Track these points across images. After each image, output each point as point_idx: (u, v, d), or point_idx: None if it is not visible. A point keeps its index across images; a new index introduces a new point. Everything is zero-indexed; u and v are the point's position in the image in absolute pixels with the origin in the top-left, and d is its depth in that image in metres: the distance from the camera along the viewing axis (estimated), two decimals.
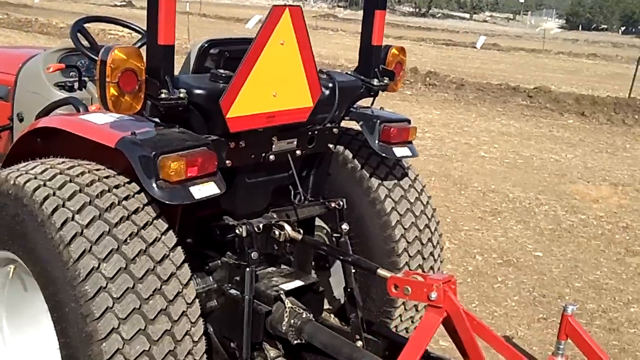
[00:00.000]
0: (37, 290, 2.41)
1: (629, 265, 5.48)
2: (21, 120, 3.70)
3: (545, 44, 29.10)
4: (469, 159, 8.67)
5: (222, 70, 2.65)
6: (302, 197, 3.07)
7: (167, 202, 2.34)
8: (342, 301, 3.55)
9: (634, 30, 48.23)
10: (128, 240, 2.30)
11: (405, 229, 3.28)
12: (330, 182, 3.31)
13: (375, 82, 3.18)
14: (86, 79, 3.71)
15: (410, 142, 3.26)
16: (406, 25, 36.53)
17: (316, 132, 3.00)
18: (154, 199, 2.41)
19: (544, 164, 8.74)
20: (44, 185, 2.38)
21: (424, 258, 3.36)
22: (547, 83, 15.52)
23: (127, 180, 2.50)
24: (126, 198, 2.41)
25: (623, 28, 50.24)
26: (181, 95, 2.45)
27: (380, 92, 3.29)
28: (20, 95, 3.72)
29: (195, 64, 2.85)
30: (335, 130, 3.11)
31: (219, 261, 2.95)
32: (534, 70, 20.83)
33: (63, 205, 2.31)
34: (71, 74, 3.71)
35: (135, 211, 2.39)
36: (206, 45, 2.86)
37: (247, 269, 2.70)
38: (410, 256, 3.30)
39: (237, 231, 2.71)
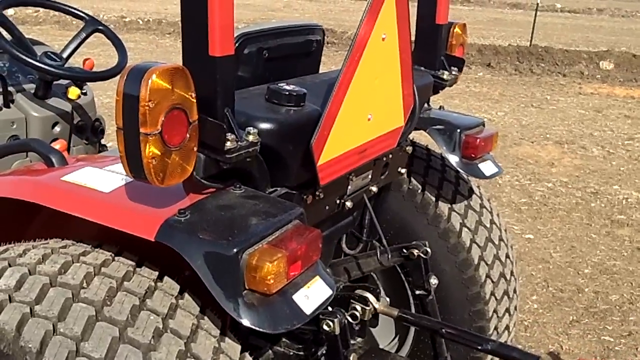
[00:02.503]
0: None
1: (622, 239, 5.09)
2: None
3: None
4: None
5: (283, 84, 1.69)
6: (368, 245, 2.22)
7: (268, 331, 1.38)
8: None
9: None
10: None
11: (493, 282, 2.44)
12: (382, 215, 2.42)
13: (446, 75, 2.33)
14: (13, 89, 2.54)
15: (489, 153, 2.47)
16: None
17: (390, 156, 2.12)
18: (207, 302, 1.47)
19: None
20: (33, 314, 1.36)
21: (510, 315, 2.57)
22: None
23: (155, 274, 1.53)
24: (171, 313, 1.45)
25: None
26: (251, 138, 1.48)
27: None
28: None
29: None
30: (408, 148, 2.25)
31: (270, 351, 2.05)
32: None
33: (77, 353, 1.32)
34: None
35: (192, 337, 1.43)
36: (238, 43, 1.83)
37: None
38: (498, 317, 2.48)
39: (324, 327, 1.79)
